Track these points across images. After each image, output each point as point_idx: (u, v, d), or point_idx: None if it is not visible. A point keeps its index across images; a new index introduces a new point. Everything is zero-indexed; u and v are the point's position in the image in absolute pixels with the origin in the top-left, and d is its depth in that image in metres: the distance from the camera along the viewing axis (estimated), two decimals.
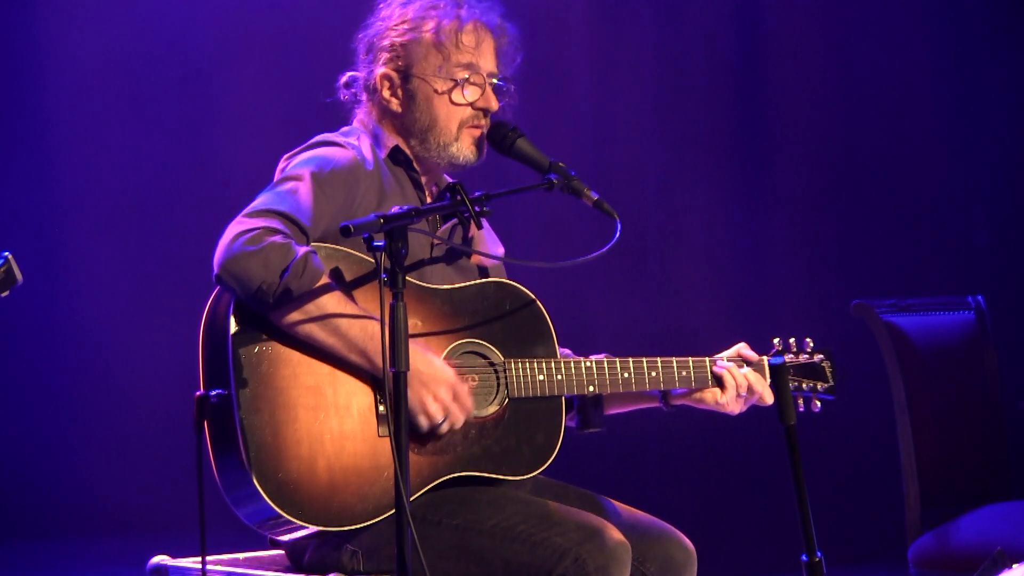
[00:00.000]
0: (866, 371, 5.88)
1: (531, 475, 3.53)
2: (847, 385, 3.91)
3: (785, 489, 3.31)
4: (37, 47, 7.41)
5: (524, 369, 3.52)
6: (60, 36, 7.42)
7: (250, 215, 3.34)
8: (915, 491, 4.82)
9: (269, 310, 3.31)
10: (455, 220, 3.69)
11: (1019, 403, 5.33)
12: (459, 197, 3.51)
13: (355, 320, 3.33)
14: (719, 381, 3.72)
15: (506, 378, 3.52)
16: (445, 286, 3.54)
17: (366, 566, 3.43)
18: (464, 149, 3.65)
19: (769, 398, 3.74)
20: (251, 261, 3.27)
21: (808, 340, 3.88)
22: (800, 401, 3.83)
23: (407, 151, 3.66)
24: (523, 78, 3.74)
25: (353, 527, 3.36)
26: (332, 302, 3.33)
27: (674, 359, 3.68)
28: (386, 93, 3.64)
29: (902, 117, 7.53)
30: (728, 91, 7.54)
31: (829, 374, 3.87)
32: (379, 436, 3.38)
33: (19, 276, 3.11)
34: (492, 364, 3.52)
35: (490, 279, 3.62)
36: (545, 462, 3.54)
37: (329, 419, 3.36)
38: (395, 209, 3.27)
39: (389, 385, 3.14)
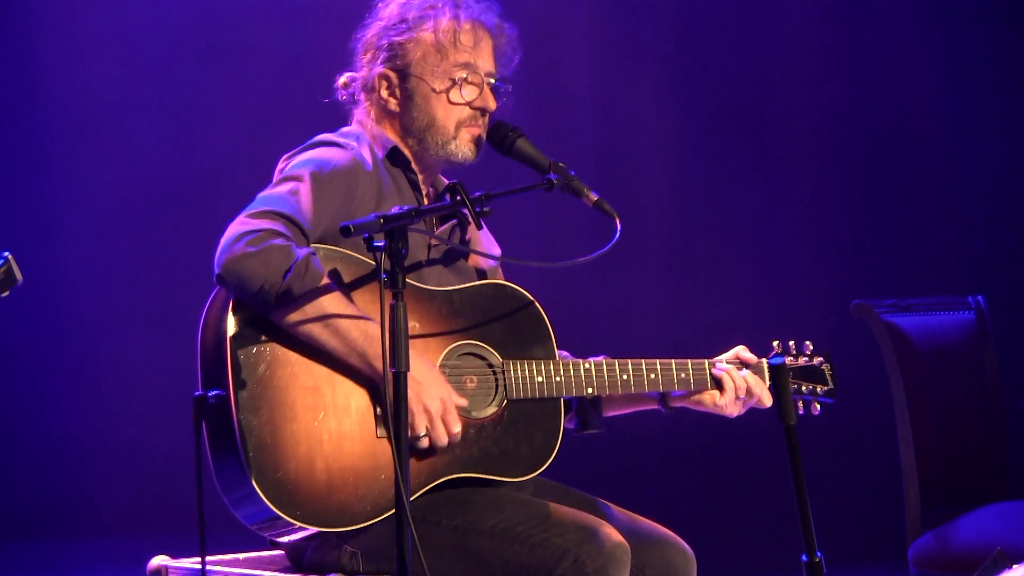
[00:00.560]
0: (866, 371, 5.88)
1: (530, 476, 3.53)
2: (847, 385, 3.91)
3: (785, 489, 3.31)
4: (37, 47, 7.41)
5: (523, 371, 3.52)
6: (59, 36, 7.42)
7: (252, 216, 3.34)
8: (915, 491, 4.82)
9: (270, 310, 3.31)
10: (453, 221, 3.69)
11: (1019, 403, 5.33)
12: (459, 197, 3.51)
13: (355, 322, 3.33)
14: (718, 383, 3.72)
15: (504, 380, 3.51)
16: (443, 288, 3.54)
17: (365, 567, 3.43)
18: (462, 147, 3.65)
19: (768, 400, 3.73)
20: (253, 261, 3.27)
21: (807, 343, 3.87)
22: (800, 404, 3.82)
23: (405, 152, 3.66)
24: (523, 77, 3.73)
25: (351, 528, 3.36)
26: (332, 303, 3.33)
27: (673, 361, 3.68)
28: (384, 92, 3.65)
29: (902, 117, 7.53)
30: (729, 92, 7.55)
31: (829, 377, 3.86)
32: (377, 437, 3.38)
33: (19, 276, 3.11)
34: (491, 366, 3.52)
35: (488, 281, 3.62)
36: (543, 464, 3.53)
37: (328, 419, 3.36)
38: (395, 209, 3.26)
39: (389, 387, 3.14)
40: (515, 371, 3.51)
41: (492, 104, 3.65)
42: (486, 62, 3.65)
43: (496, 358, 3.52)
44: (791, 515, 3.15)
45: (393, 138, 3.66)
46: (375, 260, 3.17)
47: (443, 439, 3.39)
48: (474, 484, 3.49)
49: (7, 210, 7.38)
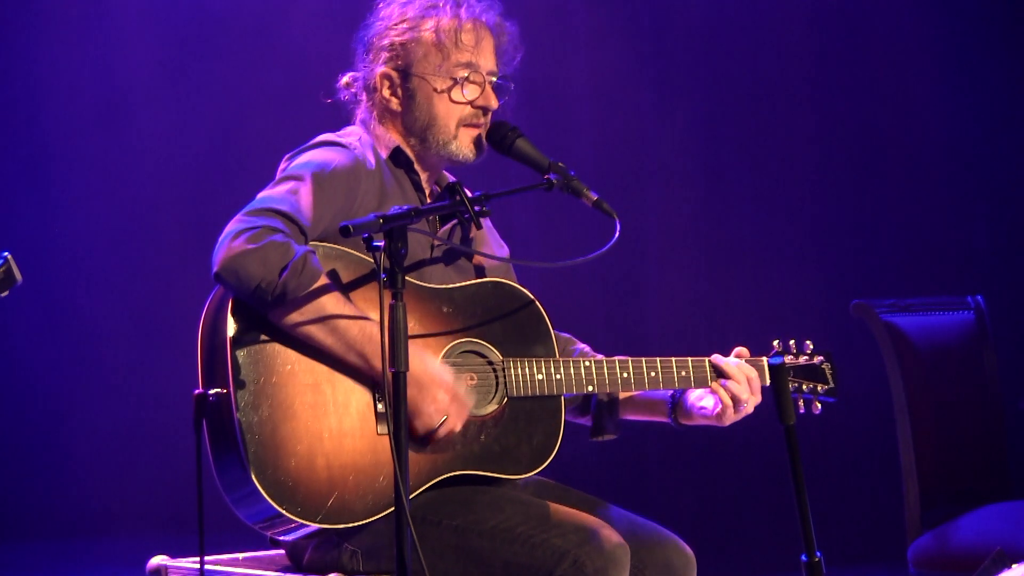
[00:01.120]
0: (866, 371, 5.88)
1: (530, 474, 3.53)
2: (846, 385, 3.91)
3: (785, 489, 3.31)
4: (35, 46, 7.41)
5: (523, 368, 3.52)
6: (58, 34, 7.42)
7: (250, 213, 3.34)
8: (915, 491, 4.82)
9: (267, 308, 3.31)
10: (456, 221, 3.69)
11: (1019, 403, 5.33)
12: (458, 197, 3.52)
13: (353, 321, 3.33)
14: (721, 371, 3.69)
15: (505, 377, 3.52)
16: (443, 286, 3.54)
17: (365, 566, 3.43)
18: (463, 147, 3.64)
19: (754, 400, 3.70)
20: (250, 259, 3.27)
21: (808, 342, 3.87)
22: (801, 403, 3.81)
23: (408, 152, 3.66)
24: (523, 77, 3.73)
25: (352, 525, 3.36)
26: (331, 302, 3.33)
27: (673, 359, 3.68)
28: (386, 92, 3.64)
29: (902, 117, 7.53)
30: (729, 93, 7.54)
31: (829, 376, 3.86)
32: (378, 434, 3.38)
33: (18, 276, 3.11)
34: (491, 363, 3.52)
35: (488, 279, 3.62)
36: (544, 462, 3.54)
37: (328, 417, 3.36)
38: (394, 209, 3.26)
39: (388, 387, 3.14)
40: (515, 369, 3.52)
41: (494, 103, 3.65)
42: (487, 60, 3.65)
43: (496, 356, 3.52)
44: (791, 515, 3.15)
45: (396, 138, 3.66)
46: (374, 260, 3.18)
47: (459, 423, 3.39)
48: (474, 482, 3.49)
49: (7, 210, 7.38)
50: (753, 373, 3.69)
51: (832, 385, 3.85)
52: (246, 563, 3.63)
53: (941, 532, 4.73)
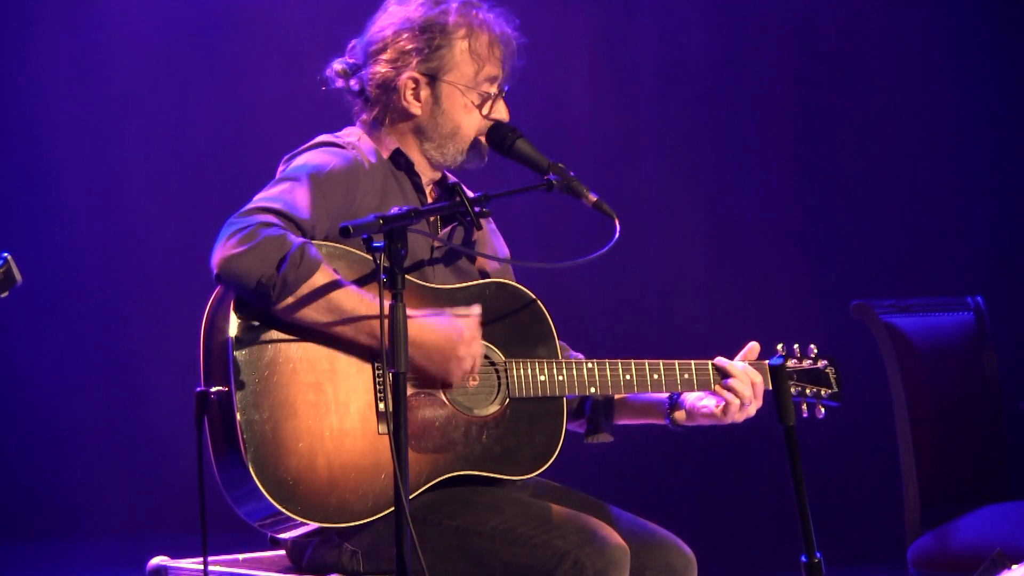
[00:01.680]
0: (865, 372, 5.87)
1: (530, 476, 3.54)
2: (846, 386, 3.91)
3: (785, 490, 3.31)
4: (34, 44, 7.41)
5: (525, 369, 3.53)
6: (57, 33, 7.42)
7: (243, 214, 3.34)
8: (914, 492, 4.82)
9: (271, 304, 3.30)
10: (456, 222, 3.69)
11: (1018, 403, 5.33)
12: (458, 198, 3.52)
13: (360, 301, 3.33)
14: (723, 372, 3.68)
15: (507, 378, 3.52)
16: (446, 286, 3.54)
17: (366, 566, 3.43)
18: (476, 156, 3.65)
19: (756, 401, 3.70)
20: (247, 257, 3.27)
21: (812, 346, 3.87)
22: (804, 407, 3.80)
23: (408, 154, 3.65)
24: (523, 79, 3.74)
25: (352, 524, 3.36)
26: (333, 287, 3.32)
27: (676, 361, 3.68)
28: (409, 95, 3.62)
29: (901, 117, 7.53)
30: (728, 94, 7.54)
31: (833, 380, 3.85)
32: (379, 434, 3.38)
33: (18, 277, 3.11)
34: (493, 364, 3.52)
35: (491, 279, 3.62)
36: (545, 463, 3.54)
37: (329, 416, 3.36)
38: (394, 210, 3.26)
39: (388, 387, 3.14)
40: (518, 370, 3.52)
41: (507, 116, 3.67)
42: (504, 74, 3.66)
43: (499, 356, 3.53)
44: (791, 515, 3.15)
45: (397, 140, 3.65)
46: (374, 260, 3.18)
47: (480, 358, 3.43)
48: (475, 483, 3.49)
49: (7, 209, 7.38)
50: (758, 378, 3.69)
51: (836, 390, 3.85)
52: (246, 564, 3.63)
53: (941, 533, 4.73)
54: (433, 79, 3.61)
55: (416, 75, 3.61)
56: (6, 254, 3.10)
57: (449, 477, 3.46)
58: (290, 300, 3.30)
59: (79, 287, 7.46)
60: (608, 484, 7.04)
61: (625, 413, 3.78)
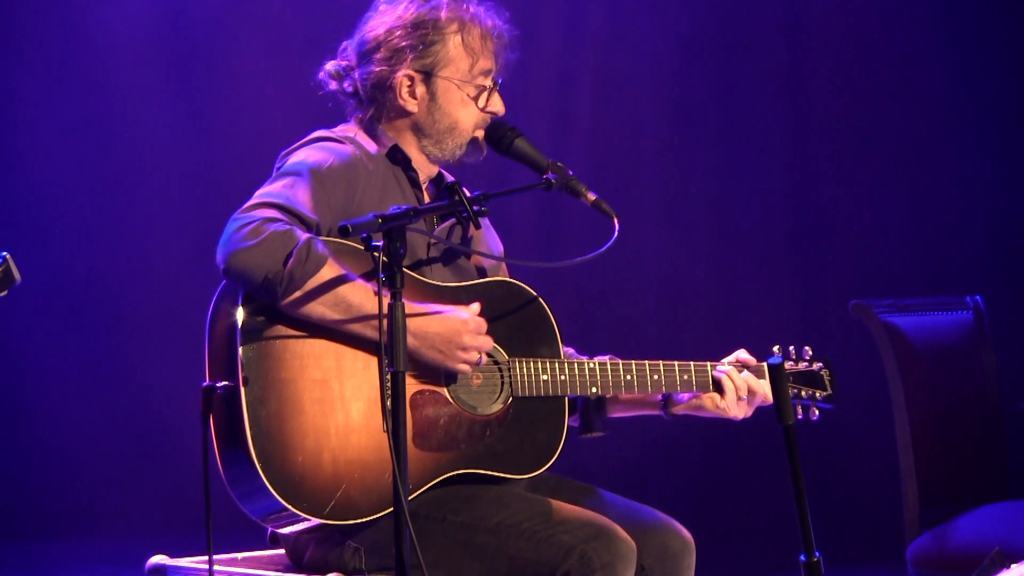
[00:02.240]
0: (864, 371, 5.88)
1: (532, 475, 3.54)
2: (846, 385, 3.91)
3: (783, 489, 3.31)
4: (31, 42, 7.41)
5: (529, 368, 3.53)
6: (55, 31, 7.42)
7: (247, 209, 3.34)
8: (913, 491, 4.82)
9: (278, 299, 3.30)
10: (453, 220, 3.69)
11: (1017, 403, 5.33)
12: (457, 197, 3.52)
13: (366, 296, 3.33)
14: (718, 385, 3.72)
15: (511, 377, 3.52)
16: (450, 284, 3.54)
17: (368, 564, 3.44)
18: (475, 149, 3.65)
19: (772, 396, 3.72)
20: (253, 253, 3.26)
21: (807, 348, 3.87)
22: (799, 409, 3.82)
23: (406, 150, 3.65)
24: (522, 77, 3.74)
25: (357, 521, 3.36)
26: (341, 282, 3.32)
27: (676, 363, 3.69)
28: (404, 93, 3.62)
29: (901, 116, 7.53)
30: (729, 93, 7.54)
31: (828, 382, 3.86)
32: (384, 431, 3.37)
33: (17, 276, 3.11)
34: (497, 363, 3.53)
35: (496, 278, 3.63)
36: (547, 462, 3.55)
37: (335, 413, 3.36)
38: (393, 209, 3.26)
39: (388, 386, 3.15)
40: (521, 369, 3.52)
41: (503, 109, 3.67)
42: (498, 66, 3.66)
43: (503, 355, 3.53)
44: (790, 515, 3.15)
45: (394, 136, 3.65)
46: (373, 260, 3.18)
47: (489, 346, 3.44)
48: (477, 481, 3.49)
49: (8, 208, 7.38)
50: (744, 384, 3.70)
51: (830, 392, 3.86)
52: (246, 563, 3.63)
53: (940, 532, 4.73)
54: (428, 75, 3.61)
55: (411, 72, 3.61)
56: (5, 253, 3.10)
57: (452, 475, 3.46)
58: (297, 295, 3.30)
59: (79, 285, 7.46)
60: (607, 482, 7.03)
61: (619, 407, 3.79)
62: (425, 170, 3.70)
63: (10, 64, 7.40)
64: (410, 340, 3.29)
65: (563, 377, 3.56)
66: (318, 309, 3.32)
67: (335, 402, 3.37)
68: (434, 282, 3.52)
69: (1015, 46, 7.46)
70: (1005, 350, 5.39)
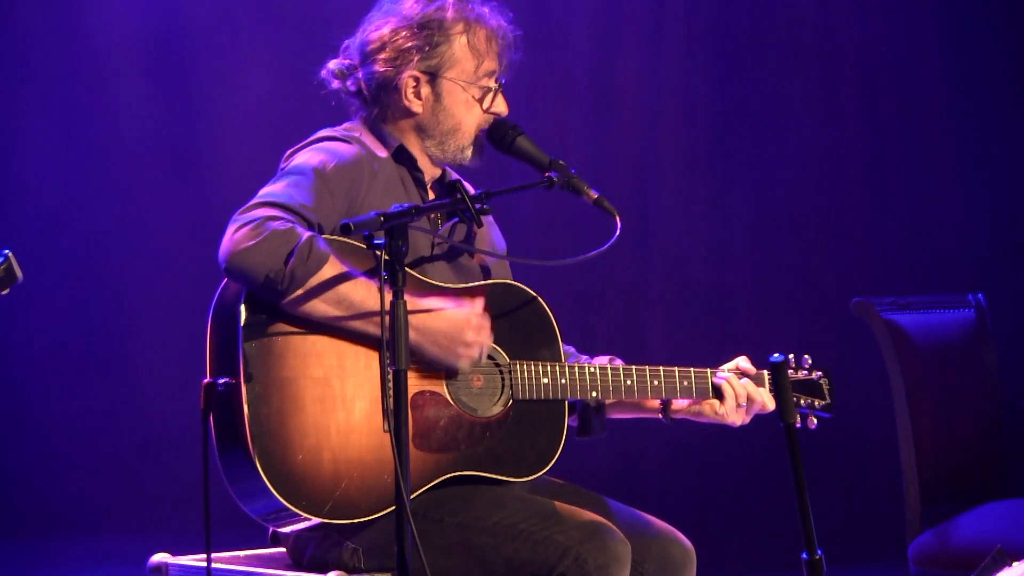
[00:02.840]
0: (866, 369, 5.87)
1: (532, 477, 3.54)
2: (847, 384, 3.91)
3: (785, 487, 3.31)
4: (32, 42, 7.41)
5: (529, 371, 3.53)
6: (55, 32, 7.41)
7: (248, 209, 3.34)
8: (915, 489, 4.82)
9: (280, 298, 3.30)
10: (457, 219, 3.69)
11: (1019, 401, 5.33)
12: (459, 195, 3.51)
13: (369, 293, 3.32)
14: (718, 392, 3.72)
15: (511, 379, 3.52)
16: (453, 285, 3.54)
17: (367, 564, 3.44)
18: (476, 152, 3.65)
19: (771, 404, 3.72)
20: (254, 252, 3.26)
21: (807, 356, 3.88)
22: (797, 417, 3.82)
23: (411, 150, 3.65)
24: (523, 75, 3.74)
25: (357, 520, 3.36)
26: (343, 280, 3.31)
27: (676, 368, 3.69)
28: (410, 94, 3.62)
29: (902, 115, 7.52)
30: (729, 93, 7.54)
31: (827, 391, 3.86)
32: (384, 431, 3.38)
33: (19, 274, 3.11)
34: (498, 365, 3.52)
35: (498, 280, 3.62)
36: (546, 465, 3.54)
37: (336, 412, 3.36)
38: (395, 207, 3.26)
39: (388, 386, 3.15)
40: (522, 371, 3.52)
41: (507, 110, 3.67)
42: (502, 67, 3.65)
43: (504, 357, 3.53)
44: (791, 513, 3.15)
45: (399, 136, 3.65)
46: (375, 258, 3.18)
47: (490, 342, 3.44)
48: (476, 482, 3.49)
49: (8, 207, 7.38)
50: (744, 391, 3.71)
51: (828, 401, 3.86)
52: (246, 561, 3.63)
53: (941, 530, 4.73)
54: (434, 76, 3.61)
55: (417, 73, 3.60)
56: (7, 251, 3.10)
57: (451, 477, 3.46)
58: (298, 293, 3.30)
59: (79, 284, 7.46)
60: (607, 483, 7.04)
61: (618, 409, 3.78)
62: (430, 170, 3.70)
63: (10, 64, 7.39)
64: (413, 335, 3.29)
65: (563, 380, 3.56)
66: (320, 307, 3.32)
67: (336, 401, 3.36)
68: (436, 283, 3.52)
69: (1016, 44, 7.45)
70: (1007, 348, 5.39)
